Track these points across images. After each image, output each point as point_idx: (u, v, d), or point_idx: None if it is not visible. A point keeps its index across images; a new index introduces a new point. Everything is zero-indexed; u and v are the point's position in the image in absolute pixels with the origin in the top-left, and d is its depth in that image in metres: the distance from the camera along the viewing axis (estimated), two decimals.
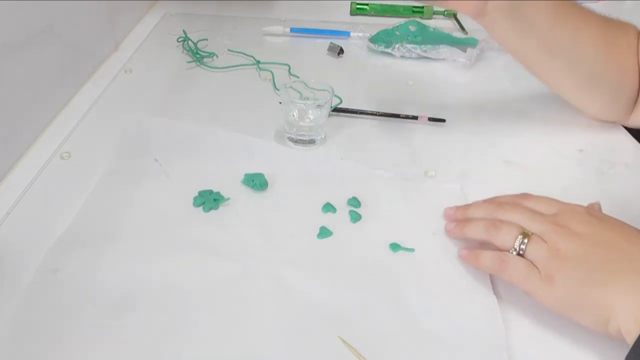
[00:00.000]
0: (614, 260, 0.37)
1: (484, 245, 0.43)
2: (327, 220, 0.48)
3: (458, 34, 0.84)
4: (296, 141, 0.58)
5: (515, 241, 0.40)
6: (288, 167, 0.54)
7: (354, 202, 0.50)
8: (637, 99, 0.60)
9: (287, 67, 0.73)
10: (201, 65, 0.73)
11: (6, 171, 0.52)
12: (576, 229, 0.39)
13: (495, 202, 0.46)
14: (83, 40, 0.67)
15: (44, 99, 0.59)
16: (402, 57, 0.79)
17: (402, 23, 0.83)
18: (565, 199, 0.44)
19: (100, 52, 0.73)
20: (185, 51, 0.77)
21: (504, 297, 0.42)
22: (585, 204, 0.44)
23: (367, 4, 0.95)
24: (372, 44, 0.80)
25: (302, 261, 0.44)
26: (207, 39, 0.80)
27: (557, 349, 0.38)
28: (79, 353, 0.36)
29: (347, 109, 0.64)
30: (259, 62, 0.74)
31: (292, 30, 0.85)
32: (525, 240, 0.40)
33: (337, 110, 0.64)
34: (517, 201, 0.44)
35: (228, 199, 0.49)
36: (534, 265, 0.39)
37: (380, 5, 0.95)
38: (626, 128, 0.64)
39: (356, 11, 0.95)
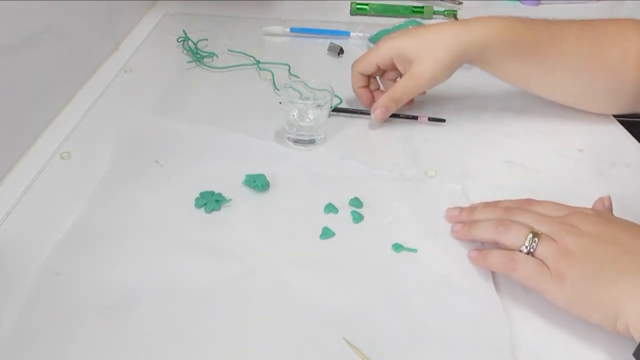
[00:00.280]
0: (623, 259, 0.37)
1: (491, 247, 0.43)
2: (330, 220, 0.48)
3: None
4: (296, 141, 0.58)
5: (525, 240, 0.40)
6: (289, 167, 0.54)
7: (356, 202, 0.50)
8: None
9: (287, 67, 0.73)
10: (201, 65, 0.73)
11: (6, 171, 0.52)
12: (585, 229, 0.39)
13: (501, 206, 0.46)
14: (83, 40, 0.67)
15: (44, 99, 0.59)
16: None
17: (402, 23, 0.83)
18: (565, 199, 0.44)
19: (100, 52, 0.73)
20: (185, 51, 0.77)
21: (506, 297, 0.42)
22: (596, 198, 0.45)
23: (367, 4, 0.95)
24: (372, 44, 0.81)
25: (305, 262, 0.44)
26: (207, 39, 0.80)
27: (561, 349, 0.38)
28: (82, 355, 0.36)
29: (347, 109, 0.64)
30: (259, 62, 0.74)
31: (292, 30, 0.85)
32: (536, 240, 0.40)
33: (337, 110, 0.64)
34: (523, 206, 0.45)
35: (230, 200, 0.49)
36: (544, 264, 0.39)
37: (380, 5, 0.95)
38: (626, 128, 0.64)
39: (356, 11, 0.95)
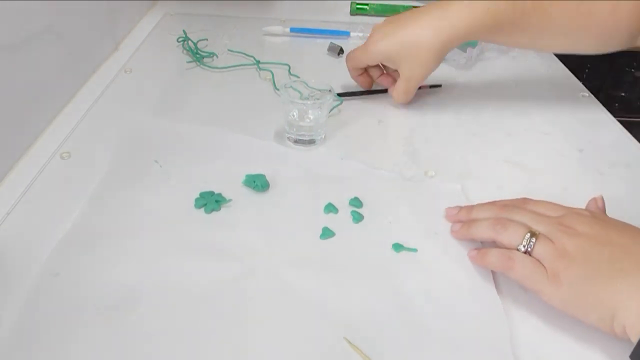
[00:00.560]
0: (620, 259, 0.37)
1: (491, 246, 0.43)
2: (330, 220, 0.48)
3: None
4: (296, 141, 0.58)
5: (523, 239, 0.40)
6: (289, 167, 0.54)
7: (356, 202, 0.50)
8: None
9: (287, 67, 0.73)
10: (201, 65, 0.73)
11: (6, 171, 0.52)
12: (581, 230, 0.39)
13: (499, 204, 0.46)
14: (83, 40, 0.67)
15: (44, 99, 0.59)
16: None
17: None
18: (565, 199, 0.44)
19: (100, 52, 0.73)
20: (185, 51, 0.77)
21: (507, 297, 0.42)
22: (588, 199, 0.45)
23: (367, 4, 0.95)
24: None
25: (305, 262, 0.44)
26: (207, 39, 0.80)
27: (561, 348, 0.38)
28: (81, 355, 0.36)
29: (355, 92, 0.67)
30: (259, 62, 0.74)
31: (292, 30, 0.85)
32: (534, 239, 0.40)
33: (345, 95, 0.66)
34: (520, 204, 0.45)
35: (230, 200, 0.49)
36: (541, 264, 0.39)
37: (380, 5, 0.95)
38: (626, 128, 0.64)
39: (356, 11, 0.95)
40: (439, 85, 0.70)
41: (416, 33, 0.58)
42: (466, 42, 0.80)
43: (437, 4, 0.59)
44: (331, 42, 0.80)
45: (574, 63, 0.80)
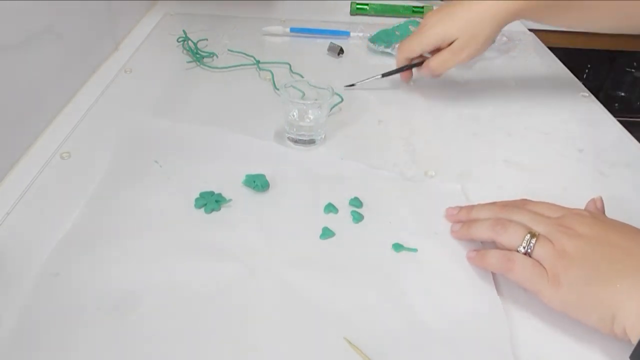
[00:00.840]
0: (619, 260, 0.37)
1: (491, 247, 0.43)
2: (330, 220, 0.48)
3: None
4: (296, 141, 0.58)
5: (522, 240, 0.40)
6: (289, 167, 0.54)
7: (356, 202, 0.50)
8: None
9: (288, 66, 0.73)
10: (201, 65, 0.73)
11: (6, 171, 0.52)
12: (581, 231, 0.39)
13: (498, 205, 0.46)
14: (83, 40, 0.67)
15: (44, 99, 0.59)
16: None
17: (402, 23, 0.83)
18: (565, 199, 0.44)
19: (100, 52, 0.73)
20: (185, 51, 0.77)
21: (507, 297, 0.42)
22: (588, 199, 0.45)
23: (367, 4, 0.95)
24: (372, 44, 0.81)
25: (305, 262, 0.44)
26: (207, 39, 0.80)
27: (561, 348, 0.38)
28: (81, 355, 0.36)
29: (362, 80, 0.69)
30: (259, 62, 0.74)
31: (292, 30, 0.85)
32: (533, 240, 0.40)
33: (388, 74, 0.68)
34: (520, 205, 0.45)
35: (230, 200, 0.49)
36: (541, 265, 0.39)
37: (380, 5, 0.95)
38: (626, 128, 0.64)
39: (356, 11, 0.95)
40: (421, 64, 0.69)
41: (479, 9, 0.61)
42: None
43: None
44: (331, 42, 0.80)
45: (574, 63, 0.80)
